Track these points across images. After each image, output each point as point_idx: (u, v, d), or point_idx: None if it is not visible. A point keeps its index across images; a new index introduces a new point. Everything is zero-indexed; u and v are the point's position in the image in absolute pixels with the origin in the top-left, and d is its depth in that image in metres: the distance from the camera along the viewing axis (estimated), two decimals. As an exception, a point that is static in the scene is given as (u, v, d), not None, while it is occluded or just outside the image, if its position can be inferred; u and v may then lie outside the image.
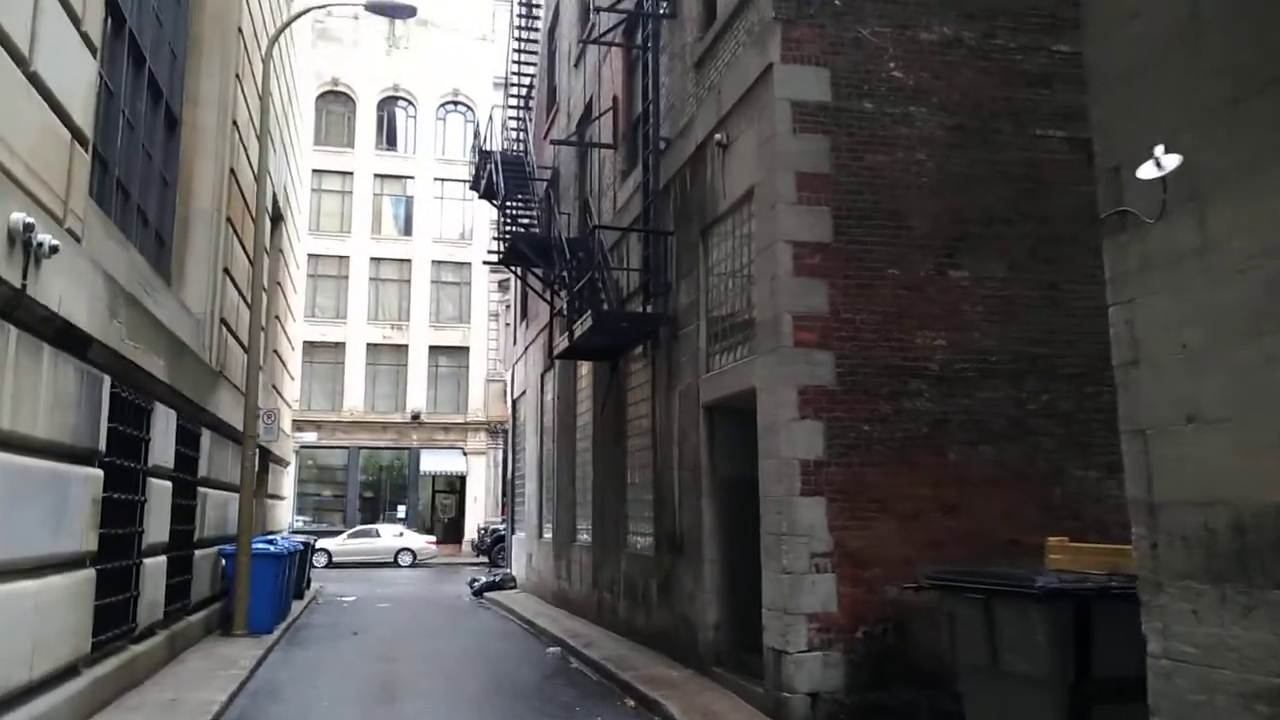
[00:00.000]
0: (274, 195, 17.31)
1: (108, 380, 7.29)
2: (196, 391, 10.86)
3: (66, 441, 6.37)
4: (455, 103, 40.02)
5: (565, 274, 13.44)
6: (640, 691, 8.86)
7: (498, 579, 21.99)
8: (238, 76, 12.88)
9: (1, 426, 5.21)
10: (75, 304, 6.34)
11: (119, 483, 7.90)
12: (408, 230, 39.52)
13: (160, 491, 9.17)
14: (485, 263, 17.05)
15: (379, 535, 32.72)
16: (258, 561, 12.53)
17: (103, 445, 7.24)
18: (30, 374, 5.65)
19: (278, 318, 19.39)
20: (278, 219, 18.78)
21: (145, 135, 10.52)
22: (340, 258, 38.52)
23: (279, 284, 19.34)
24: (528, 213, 16.56)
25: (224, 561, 12.70)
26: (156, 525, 9.09)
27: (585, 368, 15.73)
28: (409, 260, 39.14)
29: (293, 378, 24.24)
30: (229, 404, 12.83)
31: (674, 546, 10.43)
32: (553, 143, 15.27)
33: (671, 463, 10.56)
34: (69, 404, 6.40)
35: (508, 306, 37.40)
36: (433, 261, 39.41)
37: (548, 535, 18.52)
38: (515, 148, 18.89)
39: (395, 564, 31.64)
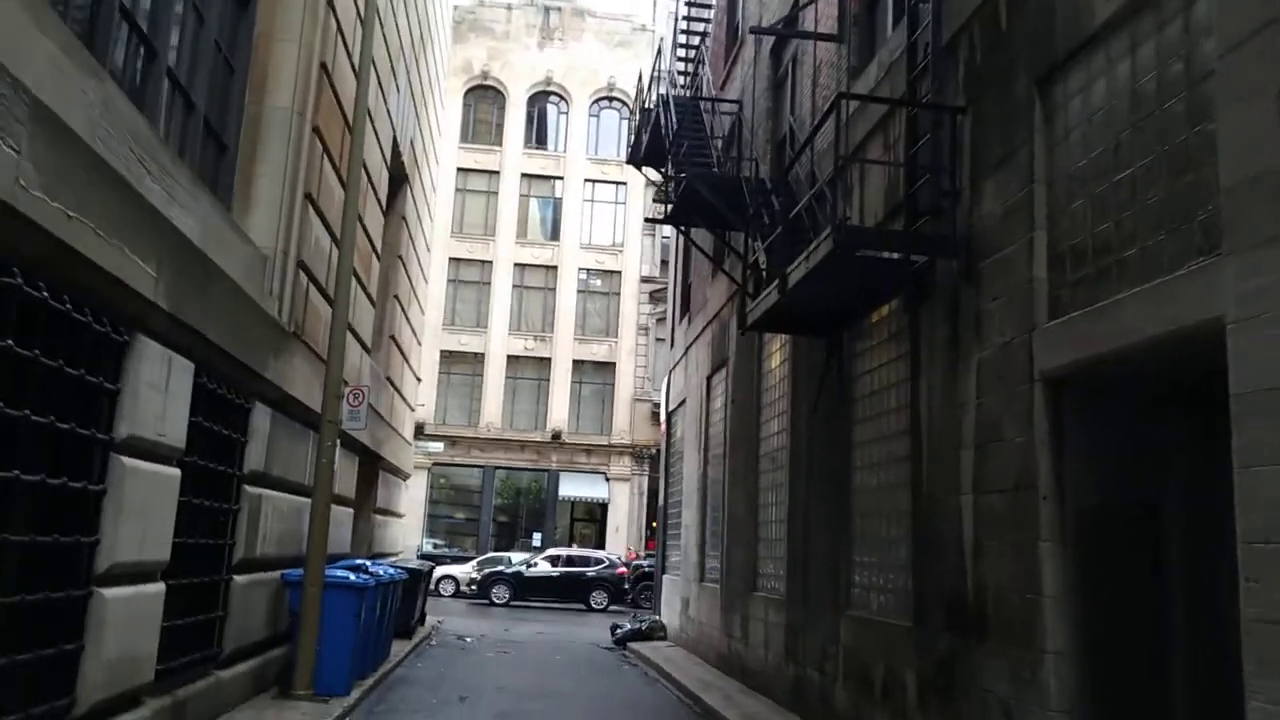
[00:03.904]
0: (394, 141, 14.23)
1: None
2: (245, 347, 7.52)
3: None
4: (610, 98, 37.02)
5: (766, 215, 9.56)
6: None
7: (644, 627, 18.12)
8: (336, -59, 9.72)
9: None
10: None
11: (30, 455, 4.47)
12: (555, 235, 36.63)
13: (140, 479, 5.71)
14: (648, 219, 13.39)
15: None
16: (334, 594, 9.09)
17: (-41, 373, 3.80)
18: None
19: (398, 298, 16.32)
20: (400, 179, 15.74)
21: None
22: (483, 263, 35.98)
23: (400, 258, 16.30)
24: (703, 163, 12.79)
25: (291, 591, 9.34)
26: (132, 534, 5.63)
27: (776, 358, 11.76)
28: (555, 267, 36.20)
29: (418, 378, 21.27)
30: (307, 379, 9.52)
31: (960, 617, 6.26)
32: (753, 31, 11.52)
33: (957, 481, 6.42)
34: None
35: (660, 319, 33.90)
36: (580, 269, 36.37)
37: (713, 579, 14.51)
38: (684, 92, 15.24)
39: (526, 597, 28.27)
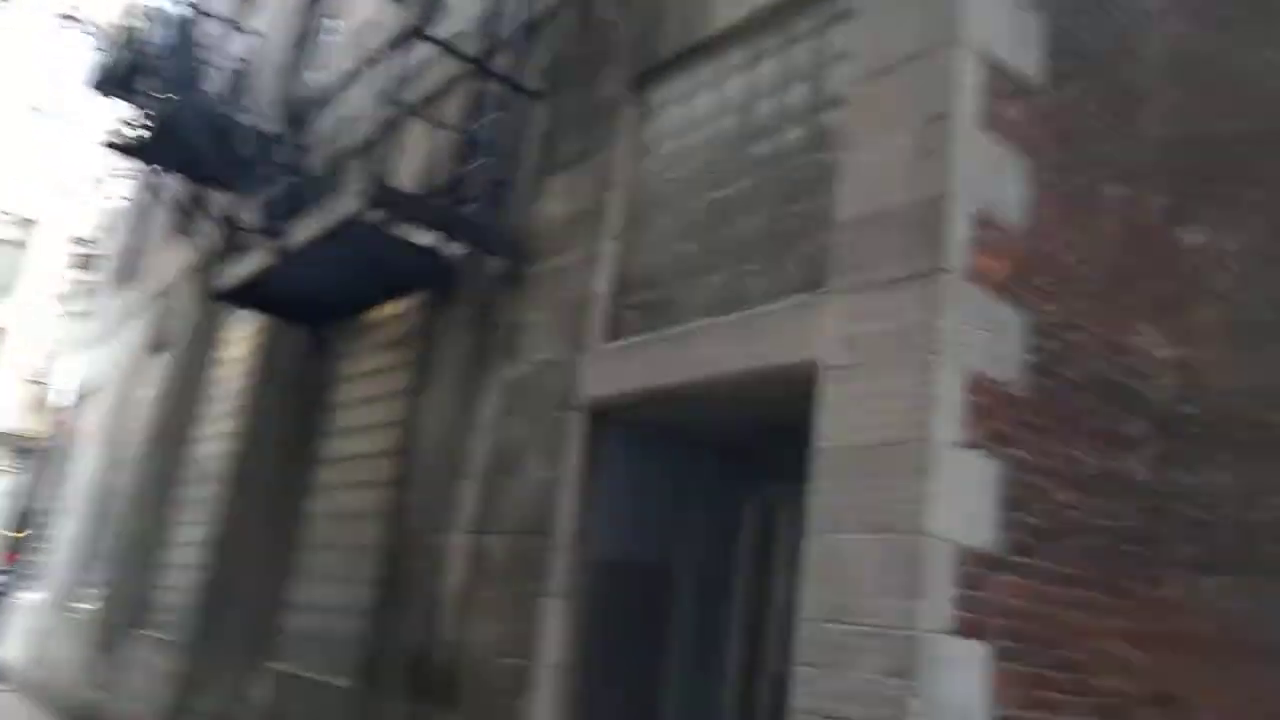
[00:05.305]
0: None
1: None
2: None
3: None
4: (74, 17, 30.54)
5: (267, 170, 7.80)
6: None
7: (-28, 665, 13.94)
8: None
9: None
10: None
11: None
12: (-48, 153, 28.71)
13: None
14: (109, 145, 10.13)
15: None
16: None
17: None
18: None
19: None
20: None
21: None
22: None
23: None
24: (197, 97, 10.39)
25: None
26: None
27: (238, 347, 9.74)
28: (-60, 194, 28.28)
29: None
30: None
31: (425, 682, 5.10)
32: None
33: (450, 516, 5.34)
34: None
35: (90, 292, 27.95)
36: (-13, 206, 28.88)
37: (87, 608, 11.50)
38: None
39: None
